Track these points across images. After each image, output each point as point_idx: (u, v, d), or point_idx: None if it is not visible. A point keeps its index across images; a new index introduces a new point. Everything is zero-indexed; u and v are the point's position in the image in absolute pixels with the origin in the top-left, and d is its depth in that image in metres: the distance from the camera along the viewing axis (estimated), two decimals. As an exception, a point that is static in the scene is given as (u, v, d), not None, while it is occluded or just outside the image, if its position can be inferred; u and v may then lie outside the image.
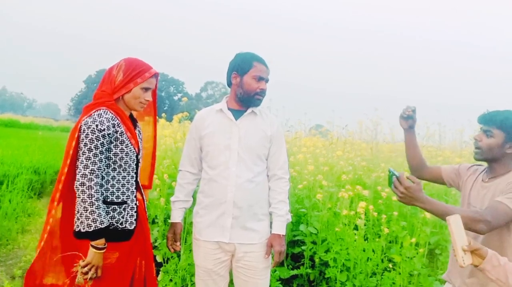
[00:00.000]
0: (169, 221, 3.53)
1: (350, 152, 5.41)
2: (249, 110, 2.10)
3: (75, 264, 1.72)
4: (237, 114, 2.10)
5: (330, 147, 5.28)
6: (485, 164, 1.86)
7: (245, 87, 2.05)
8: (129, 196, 1.86)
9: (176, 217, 2.19)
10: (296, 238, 3.45)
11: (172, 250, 2.21)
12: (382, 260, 3.29)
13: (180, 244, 2.20)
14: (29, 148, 9.63)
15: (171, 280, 3.18)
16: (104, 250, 1.73)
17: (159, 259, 3.40)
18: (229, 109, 2.11)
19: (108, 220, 1.76)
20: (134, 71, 1.84)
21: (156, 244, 3.47)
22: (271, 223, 2.15)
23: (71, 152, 1.72)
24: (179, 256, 3.47)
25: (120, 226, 1.82)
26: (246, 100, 2.08)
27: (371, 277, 3.11)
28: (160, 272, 3.23)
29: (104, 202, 1.77)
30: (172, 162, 4.34)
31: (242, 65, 2.07)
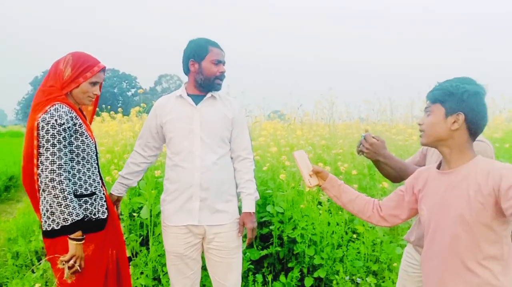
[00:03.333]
0: (134, 215, 3.54)
1: (308, 132, 5.54)
2: (209, 94, 2.12)
3: (57, 261, 1.71)
4: (197, 99, 2.11)
5: (289, 128, 5.37)
6: None
7: (204, 72, 2.06)
8: (96, 186, 1.88)
9: (114, 188, 2.23)
10: (263, 219, 3.52)
11: None
12: (346, 232, 3.43)
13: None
14: (-22, 156, 9.11)
15: (142, 273, 3.17)
16: (83, 241, 1.74)
17: (127, 253, 3.36)
18: (188, 95, 2.12)
19: (82, 212, 1.77)
20: (83, 65, 1.81)
21: (123, 239, 3.44)
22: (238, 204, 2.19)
23: (35, 152, 1.69)
24: (148, 248, 3.45)
25: (94, 217, 1.84)
26: (206, 85, 2.09)
27: (337, 248, 3.24)
28: (130, 266, 3.20)
29: (74, 195, 1.76)
30: (132, 156, 4.27)
31: (198, 51, 2.06)
